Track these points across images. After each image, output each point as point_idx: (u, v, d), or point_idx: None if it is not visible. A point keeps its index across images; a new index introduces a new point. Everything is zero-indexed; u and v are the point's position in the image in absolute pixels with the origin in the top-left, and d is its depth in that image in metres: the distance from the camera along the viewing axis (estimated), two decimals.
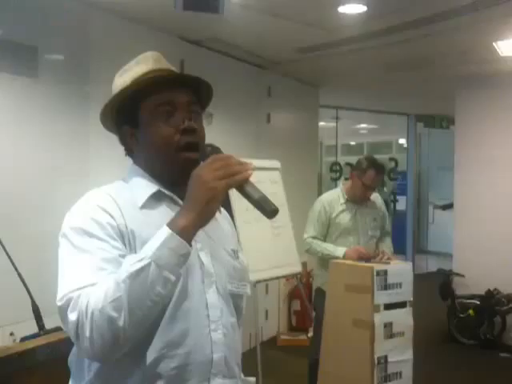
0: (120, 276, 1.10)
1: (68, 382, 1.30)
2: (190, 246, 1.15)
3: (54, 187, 3.64)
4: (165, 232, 1.13)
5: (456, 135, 6.96)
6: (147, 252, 1.11)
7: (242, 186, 1.19)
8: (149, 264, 1.10)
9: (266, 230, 4.48)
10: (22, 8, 3.50)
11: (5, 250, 1.77)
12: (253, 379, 1.49)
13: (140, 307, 1.10)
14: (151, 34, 4.43)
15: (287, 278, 5.67)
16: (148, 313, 1.12)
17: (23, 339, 1.62)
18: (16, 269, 1.74)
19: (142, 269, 1.10)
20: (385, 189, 9.80)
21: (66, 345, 1.34)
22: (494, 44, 5.23)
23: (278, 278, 4.96)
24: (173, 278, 1.13)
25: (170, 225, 1.14)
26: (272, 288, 5.85)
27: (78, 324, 1.10)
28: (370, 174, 3.83)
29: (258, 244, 4.37)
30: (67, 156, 3.78)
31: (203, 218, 1.16)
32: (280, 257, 4.57)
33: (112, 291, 1.09)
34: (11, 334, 2.74)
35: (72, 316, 1.11)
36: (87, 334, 1.08)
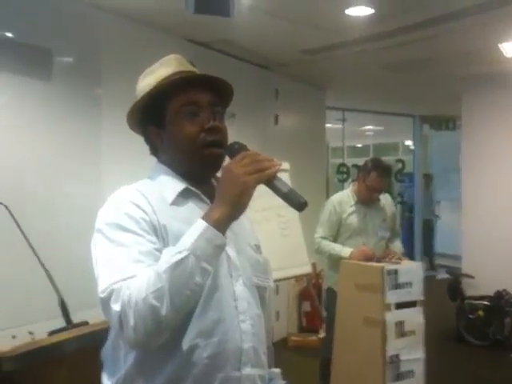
0: (160, 267, 1.15)
1: (95, 371, 1.33)
2: (225, 237, 1.20)
3: (67, 188, 3.68)
4: (201, 225, 1.18)
5: (463, 136, 6.96)
6: (185, 244, 1.17)
7: (271, 181, 1.24)
8: (187, 256, 1.15)
9: (275, 231, 4.48)
10: (36, 11, 3.55)
11: (33, 250, 1.81)
12: (278, 370, 1.51)
13: (180, 296, 1.14)
14: (160, 37, 4.48)
15: (297, 278, 5.68)
16: (187, 301, 1.17)
17: (52, 333, 1.65)
18: (44, 266, 1.77)
19: (182, 260, 1.15)
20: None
21: (92, 338, 1.37)
22: (499, 45, 5.25)
23: (287, 278, 4.96)
24: (210, 268, 1.18)
25: (205, 218, 1.20)
26: (282, 289, 5.86)
27: (122, 314, 1.14)
28: (372, 176, 3.84)
29: (268, 245, 4.33)
30: (79, 157, 3.82)
31: (235, 210, 1.22)
32: (289, 257, 4.57)
33: (153, 282, 1.13)
34: (30, 332, 2.76)
35: (115, 307, 1.15)
36: (131, 323, 1.13)
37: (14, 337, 2.56)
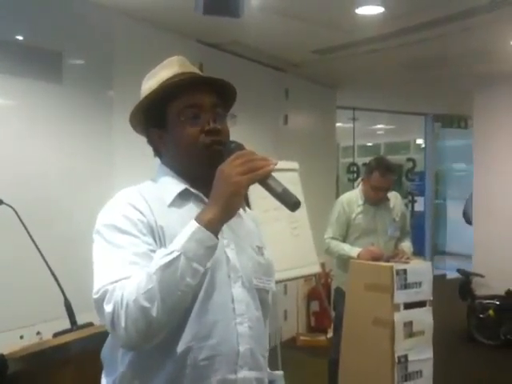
0: (152, 269, 1.16)
1: (99, 373, 1.35)
2: (217, 238, 1.20)
3: (80, 189, 3.71)
4: (192, 226, 1.18)
5: (474, 135, 6.94)
6: (176, 245, 1.17)
7: (265, 180, 1.23)
8: (178, 256, 1.15)
9: (284, 231, 4.50)
10: (47, 14, 3.58)
11: (39, 251, 1.83)
12: (280, 373, 1.52)
13: (171, 297, 1.15)
14: (172, 38, 4.50)
15: (306, 278, 5.69)
16: (179, 302, 1.17)
17: (56, 334, 1.68)
18: (49, 267, 1.80)
19: (172, 261, 1.15)
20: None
21: (97, 339, 1.39)
22: (511, 43, 5.22)
23: (296, 278, 4.98)
24: (201, 269, 1.18)
25: (197, 219, 1.20)
26: (291, 288, 5.87)
27: (114, 315, 1.15)
28: (375, 176, 3.82)
29: (277, 244, 4.38)
30: (92, 159, 3.86)
31: (228, 211, 1.21)
32: (299, 257, 4.59)
33: (144, 283, 1.14)
34: (38, 333, 2.80)
35: (108, 307, 1.16)
36: (123, 324, 1.14)
37: (21, 337, 2.60)
